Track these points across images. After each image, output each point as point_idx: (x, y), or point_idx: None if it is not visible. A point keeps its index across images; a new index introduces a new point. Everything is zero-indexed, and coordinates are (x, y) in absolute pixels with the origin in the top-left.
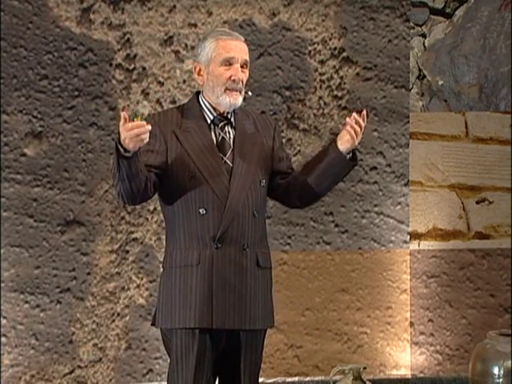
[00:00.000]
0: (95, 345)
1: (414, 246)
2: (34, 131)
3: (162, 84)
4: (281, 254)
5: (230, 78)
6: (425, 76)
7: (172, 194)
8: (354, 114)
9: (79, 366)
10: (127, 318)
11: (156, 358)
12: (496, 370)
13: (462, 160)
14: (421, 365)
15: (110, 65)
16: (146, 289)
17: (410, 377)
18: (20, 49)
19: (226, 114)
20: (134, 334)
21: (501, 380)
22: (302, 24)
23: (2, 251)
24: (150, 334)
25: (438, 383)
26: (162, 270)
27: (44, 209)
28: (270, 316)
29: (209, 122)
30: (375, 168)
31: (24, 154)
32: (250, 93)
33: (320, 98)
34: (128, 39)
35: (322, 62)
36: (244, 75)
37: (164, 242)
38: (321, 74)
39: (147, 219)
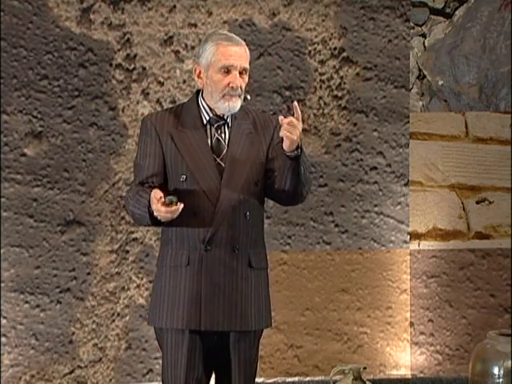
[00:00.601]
0: (95, 345)
1: (414, 245)
2: (34, 131)
3: (162, 84)
4: (281, 254)
5: (228, 85)
6: (425, 76)
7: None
8: (281, 118)
9: (79, 366)
10: (127, 317)
11: (156, 358)
12: (496, 370)
13: (461, 160)
14: (421, 365)
15: (110, 65)
16: (146, 289)
17: (410, 377)
18: (20, 49)
19: (222, 115)
20: (134, 334)
21: (501, 380)
22: (302, 24)
23: (2, 251)
24: (149, 334)
25: (438, 383)
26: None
27: (44, 209)
28: (265, 317)
29: (205, 122)
30: (375, 168)
31: (24, 154)
32: (249, 97)
33: (320, 97)
34: (128, 39)
35: (321, 62)
36: (243, 81)
37: None
38: (321, 74)
39: None
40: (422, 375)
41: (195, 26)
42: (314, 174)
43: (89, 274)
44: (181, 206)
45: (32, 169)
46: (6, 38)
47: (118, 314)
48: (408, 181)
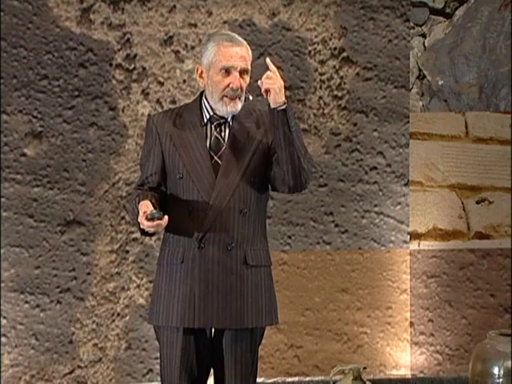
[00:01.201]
0: (95, 345)
1: (414, 245)
2: (34, 131)
3: (162, 84)
4: (281, 254)
5: (228, 85)
6: (425, 76)
7: (166, 193)
8: (259, 82)
9: (79, 366)
10: (127, 317)
11: (156, 358)
12: (496, 370)
13: (461, 160)
14: (421, 365)
15: (110, 65)
16: (146, 289)
17: (410, 377)
18: (20, 49)
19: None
20: (134, 334)
21: (501, 380)
22: (302, 24)
23: (2, 251)
24: (149, 334)
25: (438, 383)
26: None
27: (44, 209)
28: (265, 314)
29: (205, 120)
30: (375, 168)
31: (24, 154)
32: (250, 97)
33: (320, 97)
34: (128, 39)
35: (322, 62)
36: (243, 82)
37: None
38: (321, 74)
39: None
40: (422, 375)
41: (195, 25)
42: (314, 174)
43: (89, 274)
44: (164, 221)
45: (32, 169)
46: (6, 38)
47: (118, 314)
48: (408, 181)
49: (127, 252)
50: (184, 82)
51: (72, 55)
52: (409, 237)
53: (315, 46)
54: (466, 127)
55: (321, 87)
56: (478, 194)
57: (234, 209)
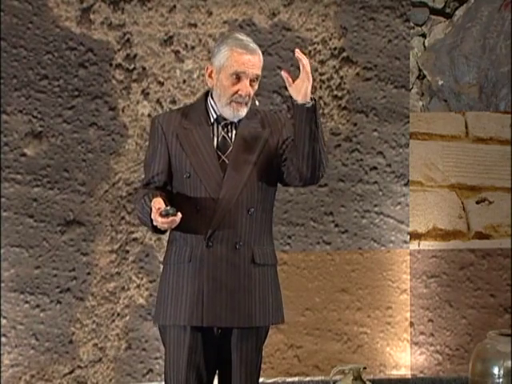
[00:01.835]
0: (95, 345)
1: (413, 246)
2: (34, 131)
3: (162, 84)
4: (281, 254)
5: (237, 91)
6: (425, 76)
7: (173, 192)
8: (286, 73)
9: (79, 366)
10: (127, 317)
11: (156, 358)
12: (496, 370)
13: (461, 160)
14: (421, 365)
15: (110, 65)
16: (146, 289)
17: (410, 377)
18: (20, 49)
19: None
20: (134, 334)
21: (501, 380)
22: (302, 24)
23: (2, 251)
24: (149, 334)
25: (438, 383)
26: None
27: (44, 209)
28: (272, 313)
29: (212, 120)
30: (375, 168)
31: (24, 154)
32: (257, 102)
33: (320, 97)
34: (128, 39)
35: (322, 62)
36: (252, 89)
37: (164, 242)
38: (321, 74)
39: None
40: (422, 375)
41: (195, 26)
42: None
43: (89, 273)
44: (178, 217)
45: (32, 169)
46: (6, 38)
47: (118, 314)
48: (408, 181)
49: (127, 252)
50: (184, 81)
51: (72, 55)
52: (409, 237)
53: (315, 46)
54: (466, 127)
55: (321, 87)
56: (477, 193)
57: (242, 207)
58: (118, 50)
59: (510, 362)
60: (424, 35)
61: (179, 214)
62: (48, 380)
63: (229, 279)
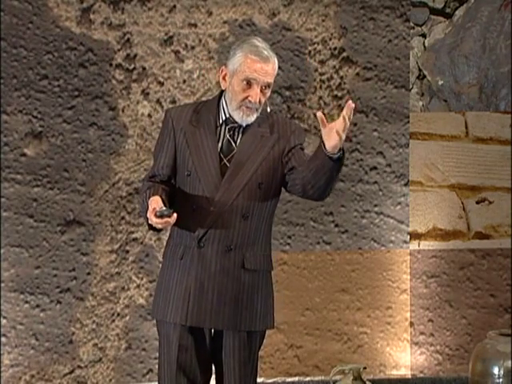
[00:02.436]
0: (95, 345)
1: (413, 246)
2: (34, 131)
3: (161, 84)
4: (281, 254)
5: (247, 97)
6: (425, 76)
7: (175, 189)
8: (323, 116)
9: (79, 366)
10: (127, 317)
11: (156, 358)
12: (496, 370)
13: (461, 160)
14: (421, 365)
15: (110, 65)
16: (146, 289)
17: (410, 377)
18: (20, 49)
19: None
20: (134, 334)
21: (501, 380)
22: (302, 24)
23: (2, 251)
24: (149, 334)
25: (438, 383)
26: None
27: (44, 209)
28: (262, 318)
29: (221, 121)
30: (375, 168)
31: (24, 154)
32: (268, 109)
33: (320, 98)
34: (128, 39)
35: (322, 62)
36: (263, 96)
37: (164, 242)
38: (321, 74)
39: None
40: (422, 375)
41: (195, 26)
42: None
43: (89, 274)
44: (173, 218)
45: (32, 169)
46: (6, 38)
47: (118, 314)
48: (408, 181)
49: (127, 252)
50: (184, 82)
51: (72, 55)
52: (409, 237)
53: (315, 45)
54: (466, 127)
55: (321, 87)
56: (477, 193)
57: (237, 212)
58: (118, 50)
59: (510, 362)
60: (424, 35)
61: (174, 216)
62: (48, 380)
63: (216, 281)
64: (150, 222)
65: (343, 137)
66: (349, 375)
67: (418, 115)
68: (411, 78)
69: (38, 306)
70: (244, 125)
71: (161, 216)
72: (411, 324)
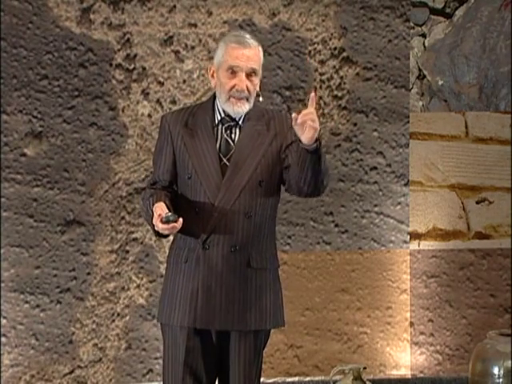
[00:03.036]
0: (95, 345)
1: (413, 245)
2: (34, 131)
3: (162, 84)
4: (281, 254)
5: (234, 87)
6: (425, 76)
7: (177, 191)
8: (294, 115)
9: (79, 366)
10: (127, 317)
11: (156, 358)
12: (496, 370)
13: (461, 160)
14: (421, 365)
15: (110, 65)
16: (146, 289)
17: (410, 377)
18: (20, 49)
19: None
20: (134, 334)
21: (501, 380)
22: (302, 24)
23: (2, 251)
24: (150, 334)
25: (438, 383)
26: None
27: (44, 209)
28: (270, 317)
29: (216, 122)
30: (375, 168)
31: (24, 154)
32: (261, 98)
33: (320, 98)
34: (128, 39)
35: (322, 62)
36: (250, 83)
37: (164, 242)
38: (321, 74)
39: None
40: (421, 375)
41: (195, 26)
42: None
43: (89, 274)
44: (179, 223)
45: (32, 169)
46: (6, 38)
47: (118, 314)
48: (408, 181)
49: (127, 252)
50: (184, 82)
51: (72, 55)
52: (409, 237)
53: (315, 45)
54: (466, 127)
55: (321, 87)
56: (478, 193)
57: (239, 211)
58: (118, 50)
59: (510, 362)
60: (424, 35)
61: (180, 220)
62: (48, 380)
63: (223, 282)
64: (156, 228)
65: (316, 126)
66: (349, 375)
67: (418, 115)
68: (411, 78)
69: (38, 306)
70: (240, 117)
71: (167, 222)
72: (411, 324)
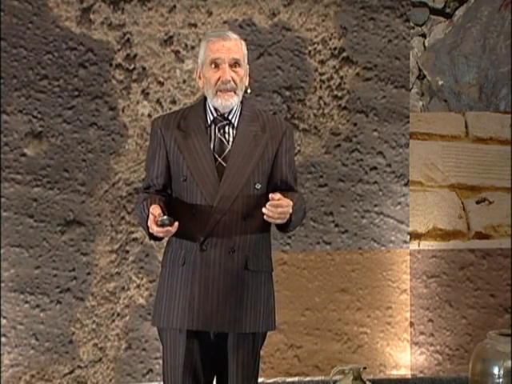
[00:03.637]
0: (95, 345)
1: (413, 246)
2: (34, 131)
3: (162, 84)
4: (281, 254)
5: (219, 79)
6: (425, 76)
7: (171, 195)
8: (271, 196)
9: (79, 366)
10: (127, 317)
11: (156, 358)
12: (496, 370)
13: (461, 160)
14: (421, 365)
15: (110, 65)
16: (146, 289)
17: (410, 377)
18: (20, 49)
19: (227, 115)
20: (134, 334)
21: (501, 380)
22: (302, 24)
23: (2, 251)
24: (149, 334)
25: (438, 383)
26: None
27: (44, 209)
28: (265, 320)
29: (209, 122)
30: (375, 168)
31: (24, 154)
32: (249, 91)
33: (320, 97)
34: (128, 39)
35: (322, 62)
36: (235, 74)
37: (164, 242)
38: (321, 74)
39: None
40: (421, 375)
41: (195, 25)
42: (314, 173)
43: (89, 274)
44: (174, 227)
45: (32, 169)
46: (6, 38)
47: (118, 314)
48: (408, 181)
49: (127, 252)
50: (184, 82)
51: (72, 55)
52: (409, 237)
53: (315, 45)
54: (466, 127)
55: (321, 87)
56: (477, 193)
57: (238, 213)
58: (118, 50)
59: (510, 362)
60: (424, 35)
61: (175, 224)
62: (48, 380)
63: (221, 284)
64: (150, 230)
65: (286, 218)
66: (349, 375)
67: (418, 115)
68: (411, 78)
69: (38, 306)
70: (227, 111)
71: (162, 225)
72: (411, 324)
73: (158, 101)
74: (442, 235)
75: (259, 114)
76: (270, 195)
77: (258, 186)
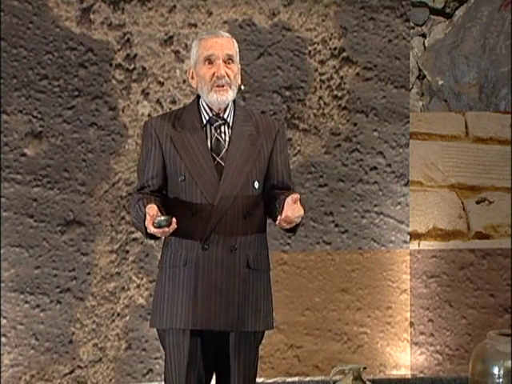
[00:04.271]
0: (95, 345)
1: (414, 246)
2: (34, 131)
3: (162, 84)
4: (281, 254)
5: (214, 75)
6: (425, 76)
7: (168, 196)
8: (279, 218)
9: (79, 366)
10: (127, 318)
11: (156, 358)
12: (496, 370)
13: (462, 160)
14: (421, 365)
15: (110, 65)
16: (146, 289)
17: (410, 377)
18: (20, 49)
19: (222, 114)
20: (134, 334)
21: (501, 380)
22: (302, 24)
23: (2, 251)
24: (149, 334)
25: (438, 383)
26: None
27: (44, 209)
28: (264, 318)
29: (204, 122)
30: (375, 168)
31: (24, 154)
32: (242, 87)
33: (320, 97)
34: (128, 39)
35: (321, 62)
36: (229, 70)
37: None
38: (321, 74)
39: None
40: (421, 375)
41: (195, 26)
42: (314, 173)
43: (89, 273)
44: (171, 227)
45: (32, 169)
46: (6, 38)
47: (118, 314)
48: (408, 181)
49: (127, 252)
50: (184, 82)
51: (72, 55)
52: (409, 237)
53: (315, 45)
54: (466, 127)
55: (321, 87)
56: (477, 193)
57: (238, 211)
58: (118, 50)
59: (510, 362)
60: (424, 35)
61: (173, 225)
62: (48, 380)
63: (224, 283)
64: (148, 231)
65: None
66: (349, 375)
67: (418, 115)
68: (411, 78)
69: (38, 306)
70: (222, 108)
71: (159, 227)
72: (411, 324)
73: (157, 101)
74: (441, 235)
75: (251, 114)
76: (289, 197)
77: (257, 185)
